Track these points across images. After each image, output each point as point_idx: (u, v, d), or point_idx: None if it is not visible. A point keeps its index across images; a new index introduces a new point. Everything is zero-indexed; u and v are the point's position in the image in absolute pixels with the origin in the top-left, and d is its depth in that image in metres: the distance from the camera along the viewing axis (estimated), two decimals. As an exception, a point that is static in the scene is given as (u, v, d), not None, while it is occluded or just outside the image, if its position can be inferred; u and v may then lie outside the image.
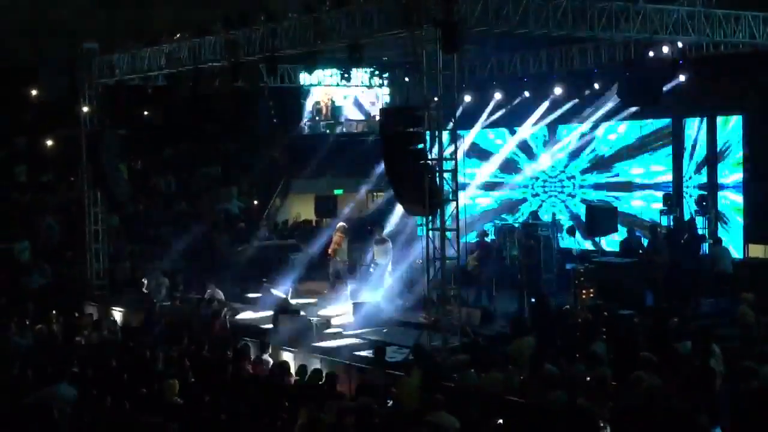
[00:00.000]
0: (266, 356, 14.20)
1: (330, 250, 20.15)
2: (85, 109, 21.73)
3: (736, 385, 9.92)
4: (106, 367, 13.40)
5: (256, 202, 28.92)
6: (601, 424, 9.26)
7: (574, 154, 22.37)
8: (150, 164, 29.27)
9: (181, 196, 27.96)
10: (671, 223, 19.27)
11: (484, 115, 22.28)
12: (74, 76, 22.16)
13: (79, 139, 22.03)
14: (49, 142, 28.86)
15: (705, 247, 18.64)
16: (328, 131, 27.45)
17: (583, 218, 20.33)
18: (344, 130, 27.55)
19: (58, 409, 10.68)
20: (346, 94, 27.25)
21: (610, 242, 20.63)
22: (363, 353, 15.57)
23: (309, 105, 27.45)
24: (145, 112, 29.42)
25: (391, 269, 19.29)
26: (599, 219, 19.09)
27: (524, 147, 23.18)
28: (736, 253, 19.32)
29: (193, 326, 17.09)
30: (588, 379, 10.98)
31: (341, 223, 20.72)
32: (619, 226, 19.33)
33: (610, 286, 17.08)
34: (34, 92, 29.58)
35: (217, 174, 29.28)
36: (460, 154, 15.52)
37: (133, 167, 27.76)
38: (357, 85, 24.73)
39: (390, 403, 11.16)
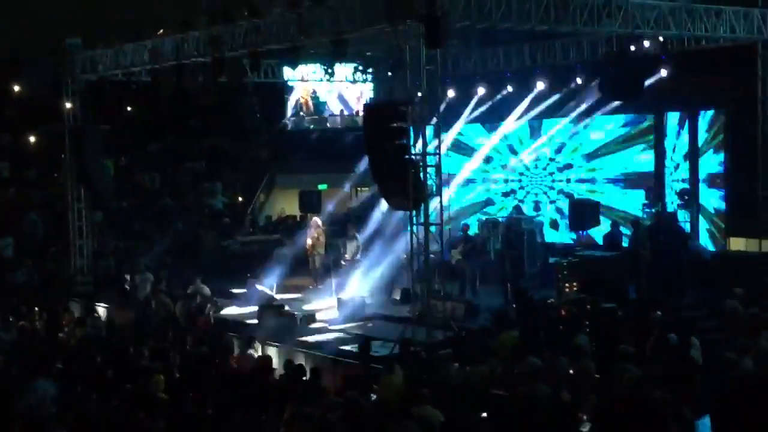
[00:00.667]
0: (251, 351, 14.19)
1: (308, 246, 20.18)
2: (68, 105, 21.65)
3: (716, 376, 9.99)
4: (90, 363, 13.36)
5: (240, 198, 28.89)
6: (584, 417, 9.30)
7: (558, 149, 22.43)
8: (134, 160, 29.18)
9: (166, 191, 27.89)
10: (653, 217, 19.35)
11: (468, 110, 22.29)
12: (57, 71, 22.05)
13: (63, 135, 21.94)
14: (32, 138, 28.72)
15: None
16: (312, 127, 27.44)
17: (567, 212, 20.43)
18: (328, 125, 27.54)
19: (39, 407, 10.65)
20: (330, 90, 27.23)
21: (594, 235, 20.70)
22: (348, 348, 15.58)
23: (292, 100, 27.43)
24: (129, 108, 29.34)
25: (365, 265, 19.29)
26: (582, 213, 19.16)
27: (507, 142, 23.21)
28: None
29: (177, 322, 17.06)
30: (571, 372, 11.02)
31: (315, 218, 20.76)
32: (603, 220, 19.41)
33: (594, 280, 17.14)
34: (16, 88, 29.43)
35: (201, 169, 29.22)
36: (443, 149, 15.53)
37: (117, 163, 27.65)
38: (340, 81, 24.71)
39: (374, 397, 11.16)
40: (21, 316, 17.06)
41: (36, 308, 17.65)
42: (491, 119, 22.60)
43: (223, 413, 10.45)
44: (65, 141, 21.82)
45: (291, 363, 12.89)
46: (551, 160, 22.59)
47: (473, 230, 21.01)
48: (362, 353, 13.44)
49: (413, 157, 14.81)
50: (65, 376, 12.67)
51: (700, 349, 11.61)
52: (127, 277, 20.64)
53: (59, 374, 12.67)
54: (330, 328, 17.22)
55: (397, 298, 18.66)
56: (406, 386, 11.16)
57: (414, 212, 15.18)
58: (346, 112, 27.66)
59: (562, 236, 21.57)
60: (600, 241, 19.65)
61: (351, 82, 24.97)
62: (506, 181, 23.44)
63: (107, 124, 23.53)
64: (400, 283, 19.20)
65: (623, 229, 19.31)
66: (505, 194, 23.48)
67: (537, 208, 22.29)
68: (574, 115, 21.29)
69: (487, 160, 23.46)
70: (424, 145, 14.91)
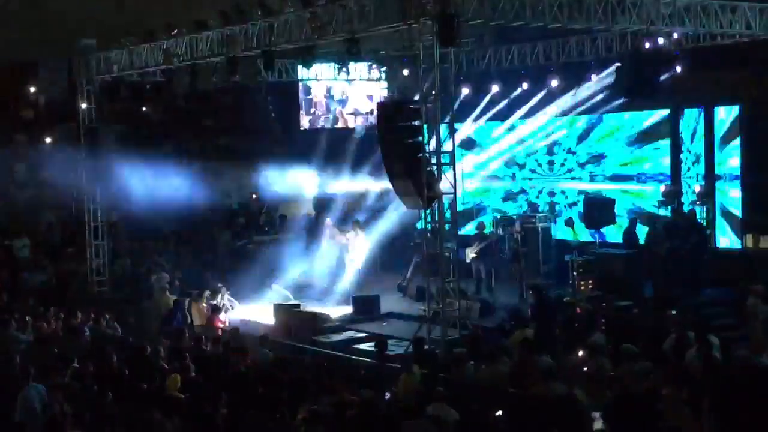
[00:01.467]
0: (266, 350, 14.22)
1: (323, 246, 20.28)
2: (84, 105, 21.74)
3: (732, 374, 9.93)
4: (106, 363, 13.41)
5: (254, 196, 28.90)
6: (598, 415, 9.27)
7: (573, 146, 22.35)
8: (148, 160, 29.20)
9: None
10: (670, 214, 19.27)
11: (482, 108, 22.25)
12: (72, 72, 22.15)
13: (79, 136, 22.03)
14: (48, 139, 28.84)
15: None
16: (326, 126, 27.42)
17: (582, 210, 20.37)
18: (343, 124, 27.50)
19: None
20: (344, 88, 27.20)
21: (610, 234, 20.62)
22: (363, 346, 15.61)
23: (306, 99, 27.41)
24: (144, 108, 29.38)
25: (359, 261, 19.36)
26: (597, 211, 19.11)
27: (522, 139, 23.15)
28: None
29: (192, 322, 17.13)
30: (586, 369, 11.00)
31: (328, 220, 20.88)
32: (620, 218, 19.35)
33: (609, 277, 17.11)
34: (32, 89, 29.56)
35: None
36: (457, 147, 15.53)
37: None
38: (354, 79, 24.71)
39: (388, 396, 11.16)
40: (38, 317, 17.15)
41: (52, 308, 17.72)
42: (506, 117, 22.55)
43: (238, 412, 10.47)
44: (81, 141, 21.91)
45: (306, 362, 12.91)
46: (567, 155, 22.52)
47: (488, 229, 20.98)
48: (379, 353, 13.42)
49: (427, 155, 14.79)
50: (81, 375, 12.73)
51: (719, 348, 11.55)
52: (148, 277, 20.71)
53: (75, 374, 12.74)
54: (345, 326, 17.26)
55: (412, 296, 18.69)
56: (422, 385, 11.15)
57: (428, 210, 15.17)
58: (360, 111, 27.62)
59: (578, 234, 21.50)
60: (614, 238, 19.60)
61: (365, 80, 24.93)
62: (522, 179, 23.38)
63: (122, 124, 23.62)
64: (415, 281, 19.24)
65: (640, 226, 19.23)
66: (520, 192, 23.42)
67: (552, 208, 22.23)
68: (589, 112, 21.21)
69: (503, 157, 23.43)
70: (438, 143, 14.90)
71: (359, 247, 19.98)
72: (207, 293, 18.60)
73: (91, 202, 21.80)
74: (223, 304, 18.08)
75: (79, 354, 13.93)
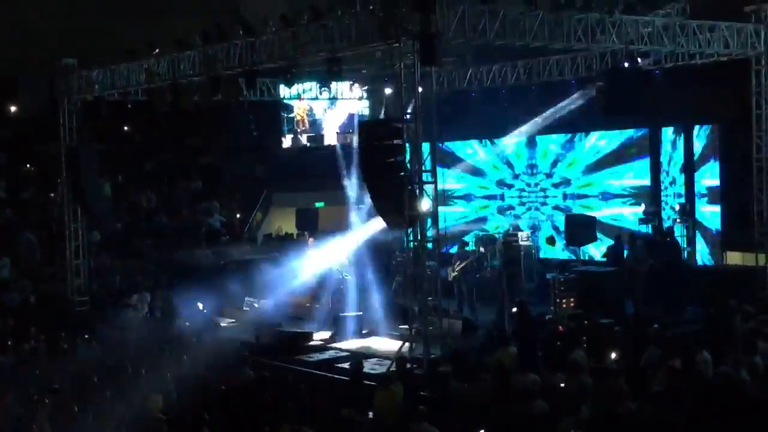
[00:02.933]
0: (247, 369, 14.17)
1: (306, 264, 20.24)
2: (64, 124, 21.67)
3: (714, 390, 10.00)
4: (87, 384, 13.34)
5: (238, 216, 28.89)
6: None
7: (553, 165, 22.50)
8: (130, 179, 29.19)
9: (162, 210, 27.89)
10: (650, 232, 19.41)
11: (462, 127, 22.35)
12: (53, 91, 22.10)
13: (59, 155, 21.96)
14: (28, 158, 28.76)
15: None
16: (308, 144, 27.47)
17: (563, 228, 20.48)
18: (324, 143, 27.56)
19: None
20: (326, 107, 27.28)
21: (589, 251, 20.75)
22: (346, 365, 15.57)
23: (288, 119, 27.47)
24: (125, 127, 29.37)
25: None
26: (578, 229, 19.20)
27: (503, 158, 23.30)
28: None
29: (173, 341, 17.05)
30: (565, 387, 11.04)
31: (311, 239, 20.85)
32: (602, 236, 19.46)
33: (591, 295, 17.18)
34: (12, 108, 29.49)
35: (197, 188, 29.24)
36: (439, 167, 15.59)
37: (114, 183, 27.65)
38: (336, 98, 24.78)
39: (371, 415, 11.16)
40: (18, 338, 17.03)
41: (33, 329, 17.60)
42: (487, 135, 22.69)
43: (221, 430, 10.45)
44: (61, 160, 21.84)
45: (287, 381, 12.89)
46: (547, 175, 22.67)
47: (470, 247, 21.04)
48: (354, 373, 13.35)
49: (408, 174, 14.83)
50: (62, 398, 12.66)
51: (710, 365, 11.56)
52: (131, 296, 20.62)
53: (54, 395, 12.66)
54: (327, 345, 17.23)
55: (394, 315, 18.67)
56: (404, 403, 11.15)
57: (410, 230, 15.20)
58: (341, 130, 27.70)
59: (560, 252, 21.61)
60: (597, 257, 19.71)
61: (346, 99, 25.02)
62: (503, 197, 23.49)
63: (103, 143, 23.57)
64: (398, 300, 19.22)
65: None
66: (501, 210, 23.53)
67: (534, 227, 22.33)
68: (567, 130, 21.38)
69: (483, 175, 23.56)
70: (420, 162, 14.95)
71: (323, 263, 19.96)
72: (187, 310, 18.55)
73: (71, 221, 21.71)
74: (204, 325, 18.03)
75: (60, 375, 13.84)
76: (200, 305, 19.23)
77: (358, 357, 14.59)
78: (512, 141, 22.66)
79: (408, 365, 13.68)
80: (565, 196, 22.38)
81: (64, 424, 11.25)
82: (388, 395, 11.51)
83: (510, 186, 23.38)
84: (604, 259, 19.58)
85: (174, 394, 12.69)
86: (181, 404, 11.97)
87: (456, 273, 19.29)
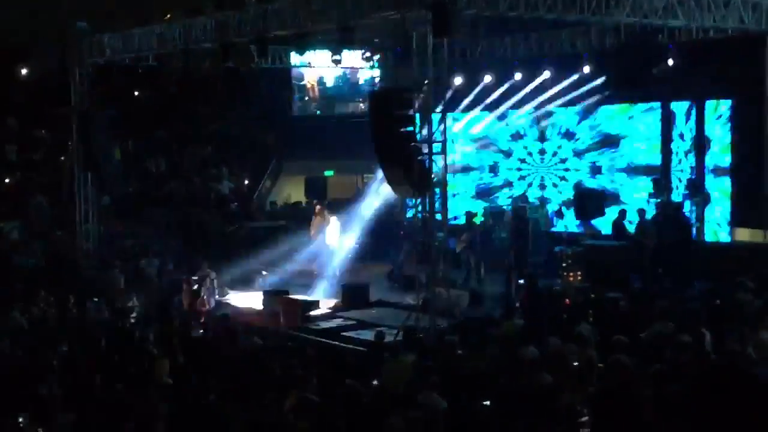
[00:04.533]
0: (255, 338, 14.21)
1: (312, 233, 20.24)
2: (76, 89, 21.61)
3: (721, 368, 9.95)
4: (95, 347, 13.40)
5: (246, 183, 28.87)
6: (584, 411, 9.29)
7: (565, 137, 22.36)
8: (141, 145, 29.14)
9: (172, 176, 27.87)
10: (659, 207, 19.32)
11: (473, 98, 22.22)
12: (65, 55, 22.03)
13: (70, 119, 21.93)
14: (40, 122, 28.71)
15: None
16: (318, 112, 27.39)
17: (573, 201, 20.42)
18: (335, 111, 27.46)
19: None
20: (337, 75, 27.16)
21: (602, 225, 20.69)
22: (351, 334, 15.63)
23: (299, 86, 27.37)
24: (136, 93, 29.27)
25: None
26: (588, 202, 19.14)
27: (514, 130, 23.16)
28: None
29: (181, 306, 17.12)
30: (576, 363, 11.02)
31: (319, 206, 20.81)
32: (612, 210, 19.39)
33: (598, 269, 17.15)
34: (24, 72, 29.40)
35: (207, 155, 29.19)
36: (449, 137, 15.54)
37: (124, 148, 27.62)
38: (348, 67, 24.65)
39: (375, 383, 11.16)
40: (28, 300, 17.10)
41: (42, 292, 17.66)
42: (498, 107, 22.53)
43: (226, 399, 10.47)
44: (72, 125, 21.80)
45: (295, 349, 12.91)
46: (558, 148, 22.55)
47: (478, 218, 21.00)
48: (377, 343, 13.32)
49: (418, 144, 14.78)
50: (70, 359, 12.72)
51: (711, 342, 11.55)
52: (141, 261, 20.67)
53: (64, 357, 12.73)
54: (334, 314, 17.26)
55: (401, 284, 18.71)
56: (413, 373, 11.13)
57: (418, 200, 15.18)
58: (353, 98, 27.59)
59: (568, 225, 21.55)
60: (606, 230, 19.64)
61: (358, 68, 24.89)
62: (513, 169, 23.39)
63: (114, 108, 23.53)
64: (405, 270, 19.23)
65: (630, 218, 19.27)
66: (511, 183, 23.44)
67: (543, 199, 22.25)
68: (582, 104, 21.22)
69: (494, 147, 23.48)
70: (430, 132, 14.89)
71: (332, 232, 19.96)
72: (193, 278, 18.56)
73: (82, 186, 21.71)
74: (207, 289, 18.06)
75: (68, 337, 13.91)
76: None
77: (376, 329, 14.38)
78: (522, 112, 22.51)
79: (415, 335, 13.68)
80: (575, 170, 22.26)
81: (73, 387, 11.29)
82: (397, 364, 11.51)
83: (521, 159, 23.27)
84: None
85: (181, 358, 12.73)
86: (186, 368, 11.99)
87: (464, 245, 19.26)
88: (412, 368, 11.15)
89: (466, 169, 23.75)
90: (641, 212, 18.75)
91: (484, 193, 23.69)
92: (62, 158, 26.20)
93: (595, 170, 21.86)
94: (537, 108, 21.69)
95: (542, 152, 22.85)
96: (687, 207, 19.45)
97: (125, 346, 13.52)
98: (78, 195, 21.74)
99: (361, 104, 25.56)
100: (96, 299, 17.67)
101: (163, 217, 24.23)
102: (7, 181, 26.03)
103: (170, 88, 26.99)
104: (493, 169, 23.68)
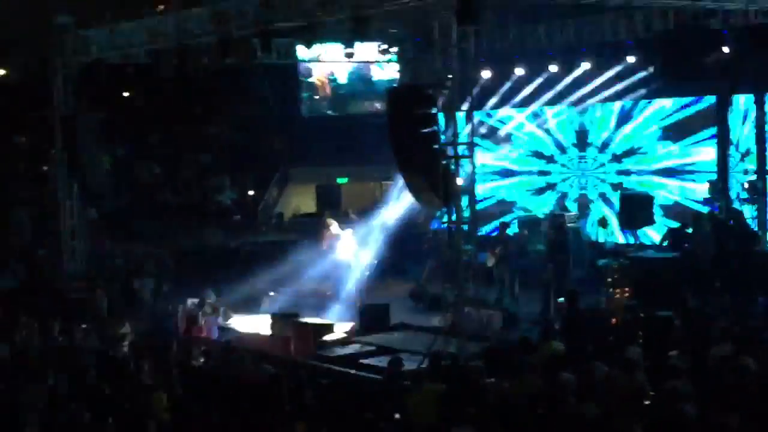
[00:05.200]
0: (263, 365, 14.22)
1: (324, 248, 20.31)
2: (60, 90, 21.77)
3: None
4: (84, 379, 13.46)
5: (251, 193, 28.99)
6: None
7: (607, 137, 22.31)
8: (132, 152, 29.34)
9: (168, 187, 28.04)
10: (717, 214, 19.23)
11: (504, 94, 22.24)
12: (47, 53, 22.21)
13: (53, 124, 22.08)
14: (20, 128, 28.95)
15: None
16: (330, 112, 27.48)
17: (617, 208, 20.36)
18: (348, 111, 27.55)
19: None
20: (350, 71, 27.24)
21: (647, 235, 20.62)
22: (371, 361, 15.61)
23: (308, 84, 27.48)
24: (126, 94, 29.48)
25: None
26: (635, 209, 19.07)
27: (549, 128, 23.14)
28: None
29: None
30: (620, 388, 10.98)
31: (329, 220, 20.88)
32: (661, 217, 19.32)
33: (648, 284, 17.08)
34: (1, 72, 29.67)
35: (207, 162, 29.35)
36: (477, 138, 15.56)
37: (114, 155, 27.81)
38: (362, 62, 24.70)
39: (397, 416, 11.14)
40: (8, 327, 17.19)
41: (24, 318, 17.75)
42: (531, 103, 22.54)
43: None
44: (56, 130, 21.95)
45: (304, 379, 12.92)
46: (600, 149, 22.51)
47: (511, 229, 20.99)
48: (393, 373, 13.31)
49: (442, 147, 14.78)
50: (56, 392, 12.79)
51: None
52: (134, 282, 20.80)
53: (50, 390, 12.79)
54: (350, 339, 17.27)
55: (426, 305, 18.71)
56: (443, 405, 11.10)
57: (444, 209, 15.18)
58: (368, 97, 27.68)
59: (612, 235, 21.48)
60: (656, 241, 19.58)
61: (373, 63, 24.97)
62: (550, 173, 23.38)
63: (102, 111, 23.71)
64: (430, 288, 19.23)
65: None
66: (548, 188, 23.41)
67: (584, 207, 22.19)
68: (625, 98, 21.19)
69: (527, 148, 23.48)
70: (455, 133, 14.89)
71: (347, 247, 20.01)
72: (191, 301, 18.63)
73: (67, 198, 21.83)
74: (207, 313, 18.13)
75: (53, 369, 13.98)
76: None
77: (394, 355, 14.39)
78: (559, 110, 22.47)
79: (442, 362, 13.64)
80: (619, 173, 22.20)
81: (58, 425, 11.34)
82: (423, 396, 11.50)
83: (556, 161, 23.24)
84: (664, 244, 19.44)
85: (179, 390, 12.77)
86: (188, 402, 12.03)
87: (496, 258, 19.24)
88: (440, 399, 11.12)
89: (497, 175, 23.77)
90: (696, 220, 18.67)
91: (516, 200, 23.70)
92: (45, 168, 26.40)
93: (642, 173, 21.78)
94: (575, 103, 21.69)
95: (582, 153, 22.80)
96: (748, 213, 19.34)
97: (117, 377, 13.57)
98: (62, 208, 21.87)
99: (377, 103, 25.63)
100: (84, 325, 17.75)
101: (157, 232, 24.37)
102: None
103: (164, 89, 27.13)
104: (527, 172, 23.66)
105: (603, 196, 22.47)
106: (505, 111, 22.80)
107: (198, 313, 18.05)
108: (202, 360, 15.35)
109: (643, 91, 20.62)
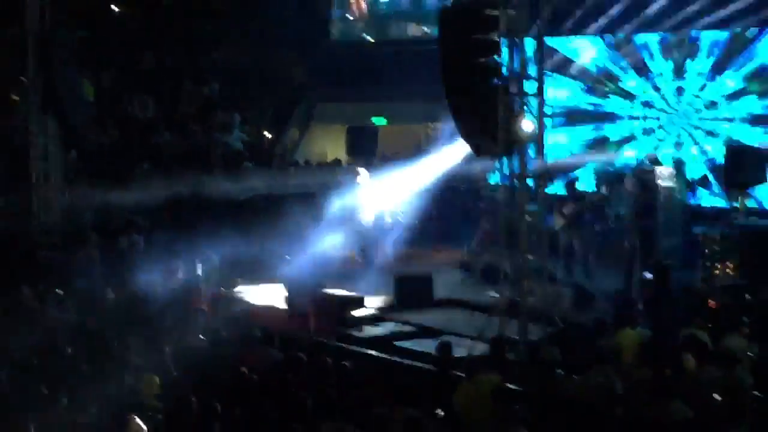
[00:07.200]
0: (274, 350, 14.34)
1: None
2: (31, 3, 21.85)
3: None
4: (59, 356, 13.64)
5: (266, 134, 29.08)
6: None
7: (714, 70, 22.11)
8: (121, 79, 29.46)
9: (163, 123, 28.16)
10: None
11: (582, 16, 22.12)
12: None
13: (25, 46, 22.19)
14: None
15: None
16: (366, 36, 27.44)
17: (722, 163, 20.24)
18: (389, 35, 27.50)
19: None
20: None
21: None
22: (409, 344, 15.72)
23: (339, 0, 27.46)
24: (115, 8, 29.56)
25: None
26: (745, 165, 18.94)
27: (635, 60, 22.99)
28: None
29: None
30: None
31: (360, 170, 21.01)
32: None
33: (758, 259, 17.03)
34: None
35: (212, 94, 29.43)
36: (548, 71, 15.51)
37: (98, 83, 27.95)
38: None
39: (441, 413, 11.23)
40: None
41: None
42: (612, 28, 22.39)
43: (236, 429, 10.63)
44: (28, 53, 22.07)
45: (328, 365, 13.02)
46: (700, 89, 22.35)
47: (589, 186, 20.95)
48: (443, 359, 13.41)
49: (504, 81, 14.75)
50: (26, 372, 12.98)
51: None
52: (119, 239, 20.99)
53: (19, 370, 12.99)
54: (384, 316, 17.38)
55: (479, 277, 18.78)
56: (496, 401, 11.17)
57: (504, 159, 15.17)
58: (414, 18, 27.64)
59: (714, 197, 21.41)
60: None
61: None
62: (635, 118, 23.29)
63: (85, 29, 23.80)
64: (483, 257, 19.27)
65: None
66: (632, 137, 23.30)
67: (679, 161, 22.10)
68: (738, 22, 21.00)
69: (606, 86, 23.39)
70: (522, 64, 14.85)
71: (380, 204, 20.10)
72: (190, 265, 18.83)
73: (40, 135, 21.97)
74: (207, 280, 18.34)
75: (23, 343, 14.17)
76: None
77: (443, 340, 14.47)
78: (652, 38, 22.32)
79: (504, 349, 13.72)
80: (726, 120, 22.04)
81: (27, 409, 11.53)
82: (475, 388, 11.57)
83: (645, 103, 23.11)
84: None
85: (173, 373, 12.92)
86: (182, 387, 12.16)
87: (566, 222, 19.23)
88: (496, 394, 11.20)
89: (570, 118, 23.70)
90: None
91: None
92: (13, 97, 26.58)
93: (756, 120, 21.60)
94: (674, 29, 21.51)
95: (680, 93, 22.64)
96: None
97: (98, 355, 13.74)
98: (34, 147, 22.02)
99: (425, 27, 25.59)
100: (58, 290, 17.95)
101: (150, 179, 24.51)
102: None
103: (161, 3, 27.20)
104: (609, 117, 23.55)
105: (706, 149, 22.35)
106: (583, 39, 22.65)
107: (198, 280, 18.20)
108: (200, 337, 15.51)
109: (756, 17, 20.43)
